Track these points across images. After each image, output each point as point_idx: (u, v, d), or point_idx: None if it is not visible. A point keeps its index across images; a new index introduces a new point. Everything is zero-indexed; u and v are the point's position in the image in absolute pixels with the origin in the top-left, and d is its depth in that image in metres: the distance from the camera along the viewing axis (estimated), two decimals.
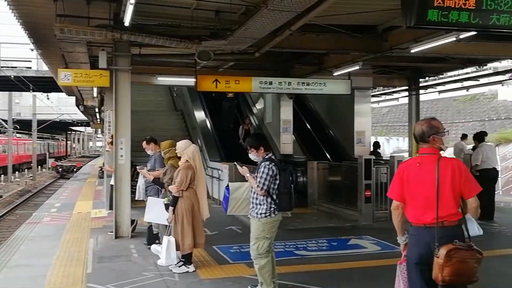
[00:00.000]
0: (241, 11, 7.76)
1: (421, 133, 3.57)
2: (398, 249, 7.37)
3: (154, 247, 6.79)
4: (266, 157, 5.12)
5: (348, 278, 5.95)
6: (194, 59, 9.99)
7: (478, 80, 15.65)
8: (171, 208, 6.09)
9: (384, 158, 14.44)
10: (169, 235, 6.19)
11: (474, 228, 3.46)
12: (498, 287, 5.65)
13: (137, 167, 7.77)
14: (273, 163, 5.03)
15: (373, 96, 19.55)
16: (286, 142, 15.54)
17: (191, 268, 6.18)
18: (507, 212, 11.11)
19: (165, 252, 6.10)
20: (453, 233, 3.40)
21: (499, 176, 13.86)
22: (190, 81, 12.27)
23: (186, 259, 6.20)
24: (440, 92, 18.86)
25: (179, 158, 6.31)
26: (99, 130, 33.83)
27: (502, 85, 18.58)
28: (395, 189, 3.68)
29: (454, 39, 8.26)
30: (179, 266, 6.16)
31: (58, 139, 67.45)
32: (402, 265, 3.74)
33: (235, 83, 11.50)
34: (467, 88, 17.14)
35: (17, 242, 8.18)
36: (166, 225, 6.50)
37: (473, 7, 4.56)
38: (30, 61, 25.60)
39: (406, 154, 17.45)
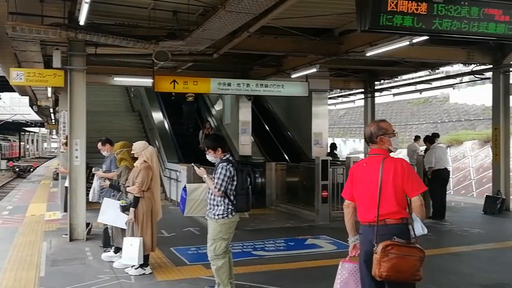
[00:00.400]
0: (199, 12, 7.75)
1: (369, 134, 3.69)
2: None
3: (105, 255, 6.71)
4: (224, 158, 5.14)
5: (305, 278, 6.03)
6: (151, 60, 9.91)
7: (431, 84, 16.15)
8: (132, 209, 6.01)
9: (340, 159, 14.71)
10: (131, 236, 6.09)
11: (418, 227, 3.49)
12: (451, 285, 5.84)
13: (92, 168, 7.64)
14: (230, 164, 5.05)
15: (330, 98, 19.87)
16: (245, 144, 15.59)
17: (147, 270, 6.12)
18: (457, 211, 11.51)
19: (132, 252, 5.94)
20: (395, 231, 3.46)
21: (450, 176, 14.36)
22: (147, 81, 12.16)
23: (144, 261, 6.13)
24: (394, 94, 19.37)
25: (134, 159, 6.25)
26: (54, 131, 32.96)
27: (453, 89, 19.23)
28: (346, 189, 3.82)
29: (408, 43, 8.50)
30: (136, 269, 6.09)
31: (10, 140, 65.30)
32: (345, 264, 3.80)
33: (194, 84, 11.47)
34: (420, 91, 17.68)
35: None
36: (122, 228, 6.42)
37: (425, 13, 4.72)
38: None
39: (362, 155, 17.78)
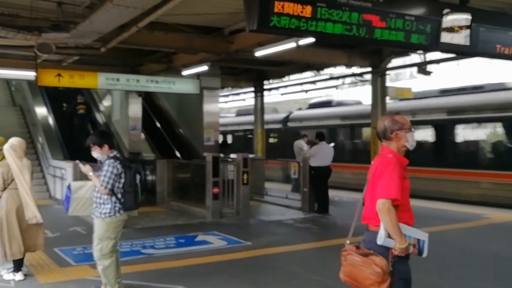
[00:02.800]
0: (86, 4, 7.48)
1: (382, 129, 3.31)
2: (243, 243, 7.77)
3: None
4: (111, 155, 5.02)
5: (194, 274, 6.08)
6: (34, 52, 9.36)
7: (316, 84, 16.95)
8: None
9: (232, 156, 14.94)
10: None
11: (380, 236, 3.08)
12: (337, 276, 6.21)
13: None
14: (118, 161, 4.95)
15: (222, 96, 20.08)
16: (135, 140, 15.27)
17: (18, 276, 5.70)
18: (339, 205, 12.20)
19: None
20: (371, 237, 3.17)
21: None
22: (30, 75, 11.43)
23: (15, 265, 5.74)
24: (282, 94, 20.05)
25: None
26: None
27: (336, 89, 20.34)
28: None
29: (295, 45, 8.86)
30: (9, 272, 5.72)
31: None
32: None
33: (80, 78, 11.04)
34: (306, 91, 18.46)
35: None
36: None
37: (309, 16, 4.97)
38: None
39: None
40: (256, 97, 17.12)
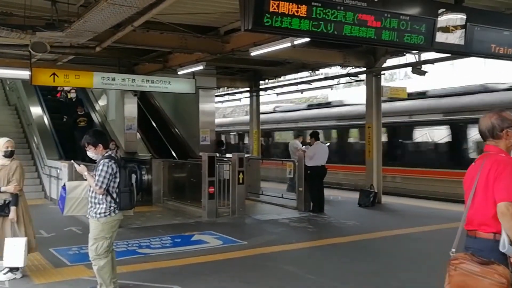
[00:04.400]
0: (80, 3, 7.45)
1: (490, 127, 3.03)
2: (239, 243, 7.78)
3: None
4: (106, 154, 5.01)
5: (191, 274, 6.07)
6: (28, 51, 9.31)
7: (311, 84, 16.95)
8: (13, 208, 5.61)
9: (227, 155, 14.93)
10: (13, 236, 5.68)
11: (503, 243, 2.79)
12: (329, 274, 6.22)
13: None
14: (112, 161, 4.94)
15: (217, 96, 20.07)
16: (131, 140, 15.24)
17: (18, 274, 5.72)
18: (335, 204, 12.21)
19: (15, 253, 5.51)
20: (483, 246, 2.90)
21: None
22: (24, 74, 11.37)
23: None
24: (278, 94, 20.05)
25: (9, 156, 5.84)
26: None
27: (332, 89, 20.35)
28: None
29: (290, 44, 8.86)
30: (4, 273, 5.69)
31: None
32: None
33: (75, 77, 10.99)
34: (302, 91, 18.46)
35: None
36: None
37: (305, 15, 4.96)
38: None
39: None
40: (251, 96, 17.11)
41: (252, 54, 9.82)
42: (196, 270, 6.22)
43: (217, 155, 10.86)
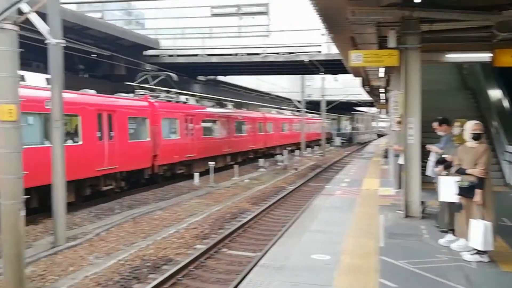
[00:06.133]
0: None
1: None
2: None
3: (444, 240, 6.56)
4: None
5: None
6: (490, 32, 9.18)
7: None
8: (479, 191, 5.73)
9: None
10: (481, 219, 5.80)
11: None
12: None
13: (426, 145, 7.72)
14: None
15: None
16: None
17: (485, 257, 5.78)
18: None
19: (478, 236, 5.68)
20: None
21: None
22: (483, 56, 11.27)
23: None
24: None
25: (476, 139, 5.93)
26: (383, 110, 34.08)
27: None
28: None
29: None
30: (472, 254, 5.84)
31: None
32: None
33: None
34: None
35: (315, 211, 9.07)
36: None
37: None
38: (320, 45, 27.10)
39: None
40: None
41: None
42: None
43: None
